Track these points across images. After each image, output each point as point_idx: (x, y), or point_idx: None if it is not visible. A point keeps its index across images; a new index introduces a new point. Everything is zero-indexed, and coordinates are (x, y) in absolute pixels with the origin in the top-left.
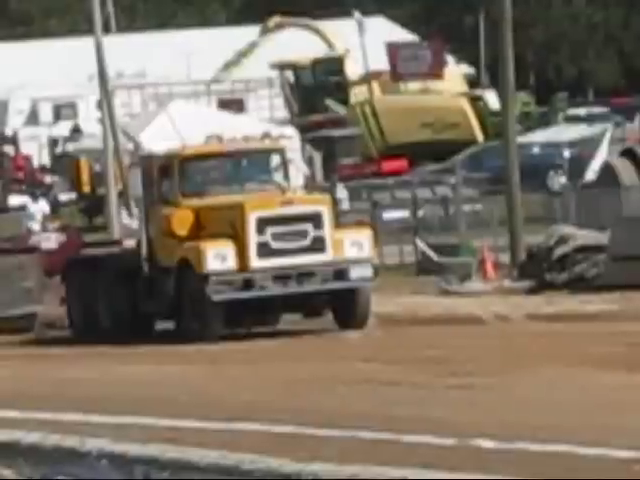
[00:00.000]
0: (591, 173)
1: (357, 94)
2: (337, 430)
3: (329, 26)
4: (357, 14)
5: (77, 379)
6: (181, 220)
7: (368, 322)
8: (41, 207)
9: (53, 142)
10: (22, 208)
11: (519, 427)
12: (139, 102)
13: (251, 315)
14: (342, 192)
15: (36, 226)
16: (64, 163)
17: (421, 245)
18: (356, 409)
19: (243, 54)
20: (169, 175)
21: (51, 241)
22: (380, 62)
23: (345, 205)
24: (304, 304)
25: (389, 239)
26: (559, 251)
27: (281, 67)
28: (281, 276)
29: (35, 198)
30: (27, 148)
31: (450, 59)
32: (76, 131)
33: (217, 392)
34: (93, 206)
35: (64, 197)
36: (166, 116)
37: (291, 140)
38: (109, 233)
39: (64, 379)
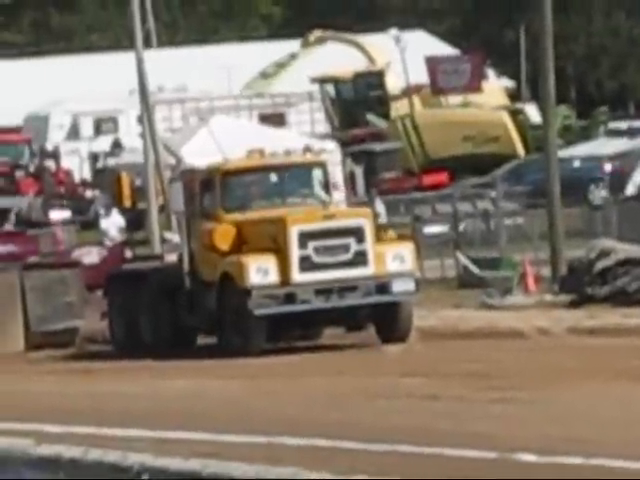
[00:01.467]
0: (632, 187)
1: (398, 108)
2: (377, 444)
3: (370, 40)
4: (393, 31)
5: (118, 393)
6: (223, 235)
7: (410, 336)
8: (115, 221)
9: (94, 157)
10: (69, 222)
11: (559, 441)
12: (180, 117)
13: (293, 329)
14: (380, 206)
15: (109, 242)
16: (105, 178)
17: (462, 259)
18: (396, 423)
19: (281, 65)
20: (211, 189)
21: (93, 255)
22: (421, 76)
23: (383, 219)
24: (346, 318)
25: (430, 253)
26: (600, 265)
27: (322, 81)
28: (323, 290)
29: (108, 211)
30: (68, 163)
31: (490, 73)
32: (117, 146)
33: (258, 406)
34: (134, 220)
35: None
36: (207, 131)
37: (332, 154)
38: (150, 247)
39: (105, 393)
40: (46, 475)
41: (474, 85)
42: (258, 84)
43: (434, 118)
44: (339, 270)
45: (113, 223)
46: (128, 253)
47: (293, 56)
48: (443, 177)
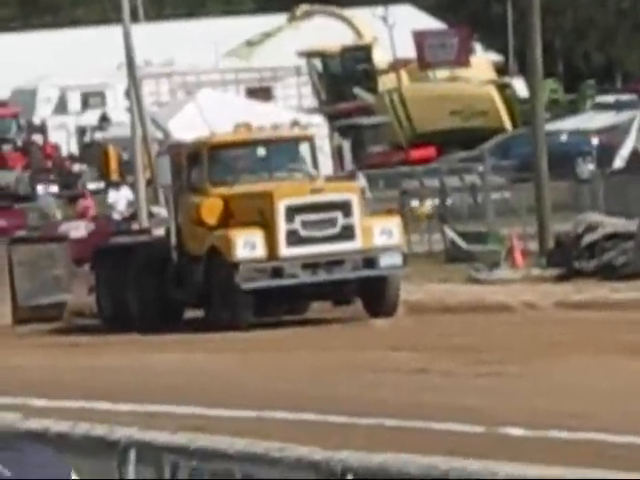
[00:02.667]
0: (620, 160)
1: (385, 82)
2: (365, 418)
3: (357, 14)
4: (379, 10)
5: (106, 367)
6: (210, 208)
7: (397, 310)
8: (124, 194)
9: (81, 131)
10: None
11: (548, 415)
12: (167, 91)
13: (280, 303)
14: (362, 180)
15: (117, 215)
16: (92, 152)
17: (450, 233)
18: (384, 397)
19: (267, 35)
20: (198, 163)
21: (80, 229)
22: (408, 50)
23: (367, 194)
24: (333, 292)
25: (418, 227)
26: (587, 239)
27: (309, 55)
28: (310, 264)
29: (117, 186)
30: (55, 137)
31: (478, 47)
32: (104, 120)
33: (246, 380)
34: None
35: (93, 186)
36: (194, 105)
37: (319, 128)
38: (138, 222)
39: (93, 367)
40: None
41: (462, 59)
42: (242, 51)
43: (421, 92)
44: (326, 244)
45: (123, 196)
46: (135, 227)
47: (279, 28)
48: (431, 151)
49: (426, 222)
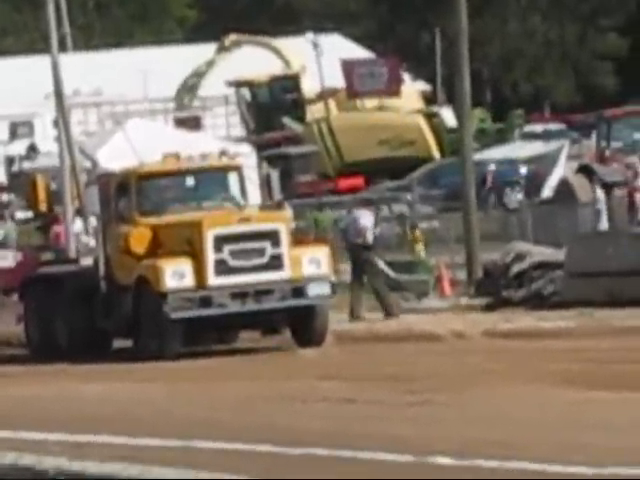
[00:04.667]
0: (548, 190)
1: (314, 111)
2: (294, 447)
3: (285, 44)
4: (310, 35)
5: (35, 397)
6: (139, 238)
7: (326, 339)
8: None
9: (9, 160)
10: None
11: (477, 444)
12: (95, 120)
13: (209, 332)
14: (288, 211)
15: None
16: (21, 181)
17: (378, 262)
18: (313, 426)
19: (200, 75)
20: (126, 193)
21: (8, 259)
22: (337, 79)
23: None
24: (262, 321)
25: (347, 256)
26: (516, 268)
27: (237, 85)
28: (239, 294)
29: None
30: None
31: (406, 76)
32: (32, 149)
33: (175, 410)
34: (50, 224)
35: (20, 215)
36: (123, 134)
37: (248, 158)
38: (66, 251)
39: (22, 397)
40: None
41: (392, 89)
42: (186, 97)
43: (350, 121)
44: (255, 274)
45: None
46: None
47: (210, 63)
48: (359, 181)
49: (421, 248)
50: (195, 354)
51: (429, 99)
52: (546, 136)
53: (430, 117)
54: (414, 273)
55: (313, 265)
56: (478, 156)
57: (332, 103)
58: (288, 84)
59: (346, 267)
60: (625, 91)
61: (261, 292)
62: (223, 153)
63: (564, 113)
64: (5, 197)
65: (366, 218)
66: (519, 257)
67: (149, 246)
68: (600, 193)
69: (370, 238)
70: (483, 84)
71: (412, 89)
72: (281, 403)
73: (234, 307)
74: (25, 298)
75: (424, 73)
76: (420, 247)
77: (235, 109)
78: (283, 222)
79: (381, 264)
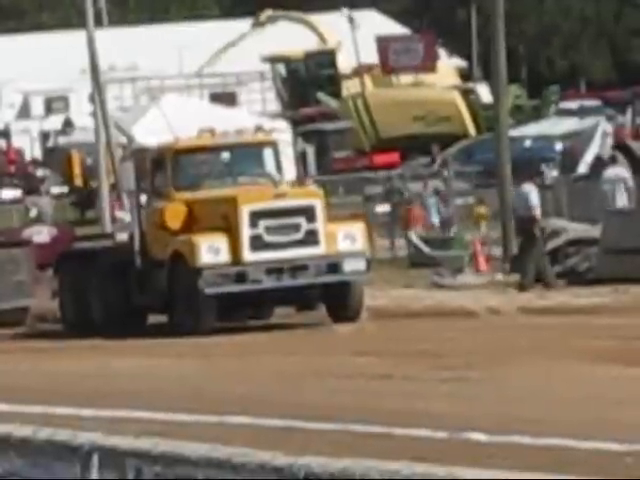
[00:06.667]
0: (583, 166)
1: (349, 87)
2: (328, 423)
3: (321, 19)
4: (345, 11)
5: (69, 373)
6: (174, 213)
7: (360, 315)
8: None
9: (45, 136)
10: (16, 201)
11: (511, 420)
12: (131, 95)
13: (244, 308)
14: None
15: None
16: (56, 157)
17: (413, 239)
18: (348, 402)
19: (231, 44)
20: (162, 168)
21: (43, 234)
22: (372, 55)
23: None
24: (297, 297)
25: (381, 232)
26: (551, 244)
27: (273, 60)
28: (274, 269)
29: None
30: (19, 142)
31: (442, 52)
32: (68, 124)
33: (209, 386)
34: (85, 199)
35: (56, 190)
36: (158, 110)
37: (283, 133)
38: (101, 226)
39: (56, 373)
40: None
41: (428, 65)
42: (209, 62)
43: (385, 97)
44: (290, 249)
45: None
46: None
47: (243, 35)
48: (394, 156)
49: (485, 224)
50: (230, 330)
51: (465, 75)
52: (581, 112)
53: (466, 93)
54: (449, 249)
55: (348, 241)
56: (513, 132)
57: (368, 79)
58: (324, 60)
59: (381, 243)
60: None
61: (296, 268)
62: (259, 129)
63: (600, 90)
64: (40, 172)
65: (534, 193)
66: (554, 233)
67: (184, 221)
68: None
69: (538, 212)
70: (519, 60)
71: (448, 65)
72: (316, 379)
73: (269, 283)
74: (60, 273)
75: (460, 49)
76: (483, 224)
77: (270, 85)
78: (318, 198)
79: (416, 240)
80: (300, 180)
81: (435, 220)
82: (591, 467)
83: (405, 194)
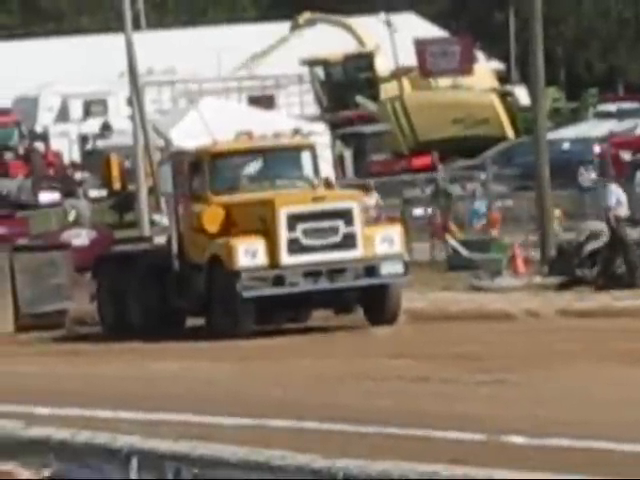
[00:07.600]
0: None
1: (387, 90)
2: (366, 426)
3: (359, 22)
4: (383, 15)
5: (107, 375)
6: (212, 217)
7: (398, 318)
8: None
9: (83, 139)
10: (55, 204)
11: (550, 423)
12: (169, 98)
13: (282, 311)
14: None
15: None
16: (94, 160)
17: (451, 241)
18: (385, 405)
19: (272, 47)
20: (200, 172)
21: (82, 237)
22: (410, 58)
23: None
24: (335, 300)
25: (419, 235)
26: (590, 247)
27: (311, 63)
28: (312, 272)
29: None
30: (57, 145)
31: (480, 55)
32: (106, 128)
33: (247, 389)
34: (123, 203)
35: (94, 194)
36: (196, 113)
37: (321, 136)
38: (139, 230)
39: (95, 375)
40: (36, 457)
41: (465, 67)
42: (247, 64)
43: (423, 100)
44: (328, 252)
45: None
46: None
47: (283, 39)
48: (429, 159)
49: (560, 224)
50: (268, 333)
51: (503, 78)
52: (620, 115)
53: (504, 96)
54: (487, 252)
55: (386, 244)
56: (552, 135)
57: (406, 82)
58: (362, 63)
59: (419, 246)
60: None
61: (334, 271)
62: (296, 132)
63: (638, 92)
64: (79, 175)
65: (621, 192)
66: (593, 236)
67: (222, 224)
68: None
69: (625, 212)
70: (557, 63)
71: (486, 68)
72: (353, 381)
73: (307, 286)
74: (98, 276)
75: (498, 52)
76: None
77: (309, 88)
78: (356, 201)
79: (454, 242)
80: (328, 183)
81: (476, 222)
82: (631, 470)
83: (452, 195)
